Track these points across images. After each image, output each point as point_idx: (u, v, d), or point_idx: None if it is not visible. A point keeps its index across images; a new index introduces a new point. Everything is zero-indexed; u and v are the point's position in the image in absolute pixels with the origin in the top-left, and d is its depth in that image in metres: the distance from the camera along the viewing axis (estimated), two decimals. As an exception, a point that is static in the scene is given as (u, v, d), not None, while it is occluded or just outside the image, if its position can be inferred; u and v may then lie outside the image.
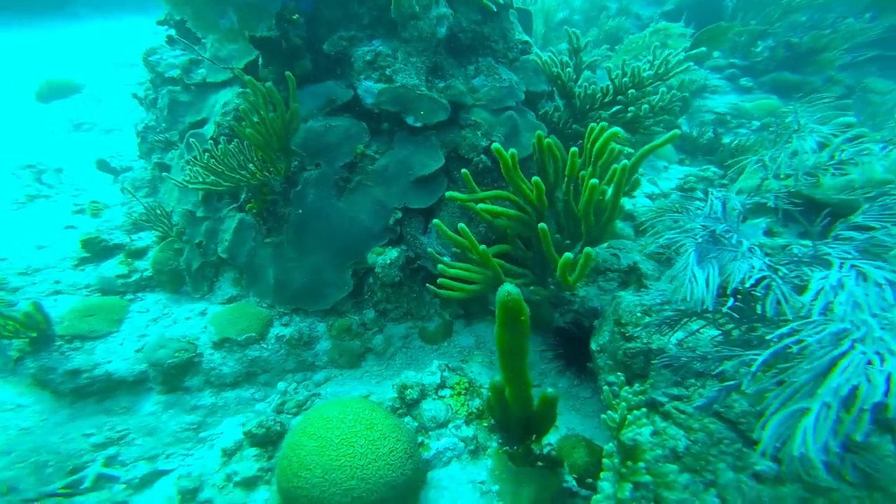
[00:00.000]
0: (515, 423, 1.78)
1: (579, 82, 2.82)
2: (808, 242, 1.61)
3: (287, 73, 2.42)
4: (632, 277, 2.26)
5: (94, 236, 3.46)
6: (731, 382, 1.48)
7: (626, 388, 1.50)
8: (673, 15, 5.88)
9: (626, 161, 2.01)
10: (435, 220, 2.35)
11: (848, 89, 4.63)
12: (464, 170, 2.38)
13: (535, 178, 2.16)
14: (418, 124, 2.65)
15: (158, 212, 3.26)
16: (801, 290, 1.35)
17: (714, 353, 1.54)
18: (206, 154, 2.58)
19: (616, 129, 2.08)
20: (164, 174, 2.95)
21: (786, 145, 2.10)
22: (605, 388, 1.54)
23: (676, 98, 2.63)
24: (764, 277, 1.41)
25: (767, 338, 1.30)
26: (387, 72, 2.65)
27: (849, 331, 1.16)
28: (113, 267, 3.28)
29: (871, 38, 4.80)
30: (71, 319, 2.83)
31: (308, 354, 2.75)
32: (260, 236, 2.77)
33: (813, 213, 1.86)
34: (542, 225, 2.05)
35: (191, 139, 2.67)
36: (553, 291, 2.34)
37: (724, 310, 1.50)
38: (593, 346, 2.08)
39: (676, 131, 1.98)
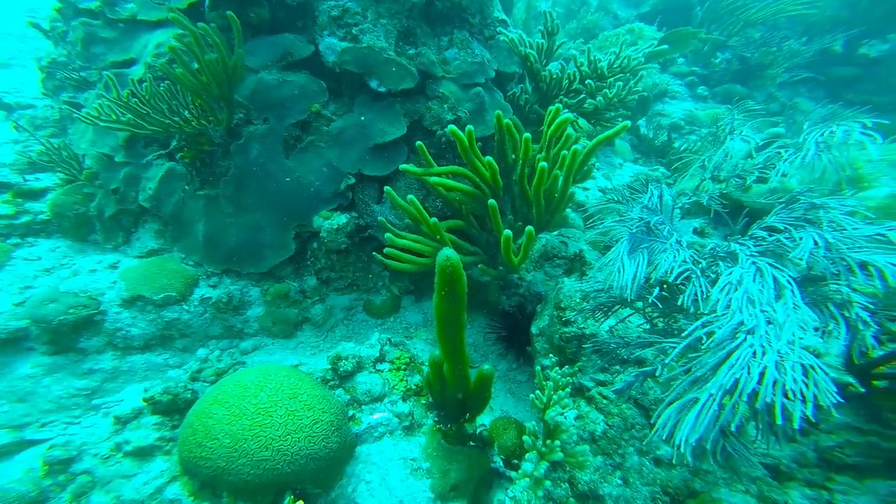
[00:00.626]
0: (452, 401, 1.79)
1: (549, 68, 2.87)
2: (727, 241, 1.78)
3: (229, 13, 2.20)
4: (576, 265, 2.36)
5: (-25, 170, 2.92)
6: (648, 369, 1.60)
7: (556, 369, 1.55)
8: (648, 17, 6.25)
9: (577, 147, 2.08)
10: (386, 188, 2.27)
11: (782, 106, 5.21)
12: (418, 142, 2.32)
13: (488, 158, 2.17)
14: (382, 89, 2.55)
15: (65, 153, 2.83)
16: (713, 283, 1.47)
17: (636, 340, 1.64)
18: (129, 94, 2.26)
19: (570, 114, 2.14)
20: (75, 114, 2.54)
21: (721, 147, 2.31)
22: (537, 369, 1.58)
23: (633, 93, 2.76)
24: (686, 270, 1.53)
25: (685, 329, 1.40)
26: (353, 30, 2.51)
27: (742, 324, 1.28)
28: (-6, 206, 2.79)
29: (805, 59, 5.43)
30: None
31: (237, 320, 2.55)
32: (192, 188, 2.51)
33: (740, 215, 2.06)
34: (491, 201, 2.07)
35: (111, 76, 2.32)
36: (501, 272, 2.38)
37: (651, 299, 1.61)
38: (533, 330, 2.15)
39: (627, 122, 2.09)
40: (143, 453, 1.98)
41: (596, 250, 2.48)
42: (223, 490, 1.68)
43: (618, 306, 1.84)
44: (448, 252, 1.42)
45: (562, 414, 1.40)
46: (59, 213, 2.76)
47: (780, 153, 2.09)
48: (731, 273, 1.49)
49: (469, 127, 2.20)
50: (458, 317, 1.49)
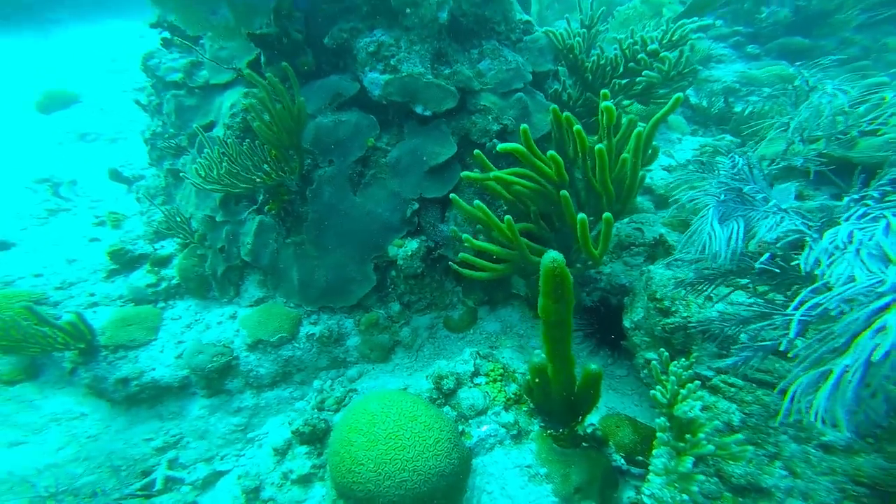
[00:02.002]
0: (558, 404, 1.81)
1: (591, 57, 2.74)
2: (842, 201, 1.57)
3: (284, 64, 2.39)
4: (658, 250, 2.24)
5: (120, 247, 3.54)
6: (768, 343, 1.45)
7: (673, 363, 1.52)
8: None
9: (642, 125, 1.97)
10: (452, 195, 2.32)
11: (864, 50, 4.35)
12: (476, 151, 2.35)
13: (551, 152, 2.11)
14: (427, 113, 2.61)
15: (178, 219, 3.31)
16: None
17: (753, 314, 1.52)
18: (223, 155, 2.59)
19: (609, 103, 2.03)
20: (181, 176, 2.97)
21: (808, 107, 2.02)
22: (654, 364, 1.56)
23: (690, 64, 2.53)
24: (798, 234, 1.38)
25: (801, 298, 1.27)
26: (391, 61, 2.59)
27: (879, 284, 1.12)
28: (141, 276, 3.36)
29: None
30: (112, 330, 2.94)
31: (339, 351, 2.83)
32: (281, 237, 2.81)
33: (847, 174, 1.81)
34: (563, 192, 2.02)
35: (201, 142, 2.68)
36: (579, 270, 2.34)
37: (757, 266, 1.48)
38: (627, 324, 2.09)
39: (680, 94, 1.90)
40: (305, 480, 2.20)
41: (676, 231, 2.34)
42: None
43: (720, 279, 1.72)
44: (553, 254, 1.44)
45: (693, 408, 1.37)
46: (185, 276, 3.25)
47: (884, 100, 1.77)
48: (853, 227, 1.32)
49: (523, 126, 2.15)
50: (566, 317, 1.45)
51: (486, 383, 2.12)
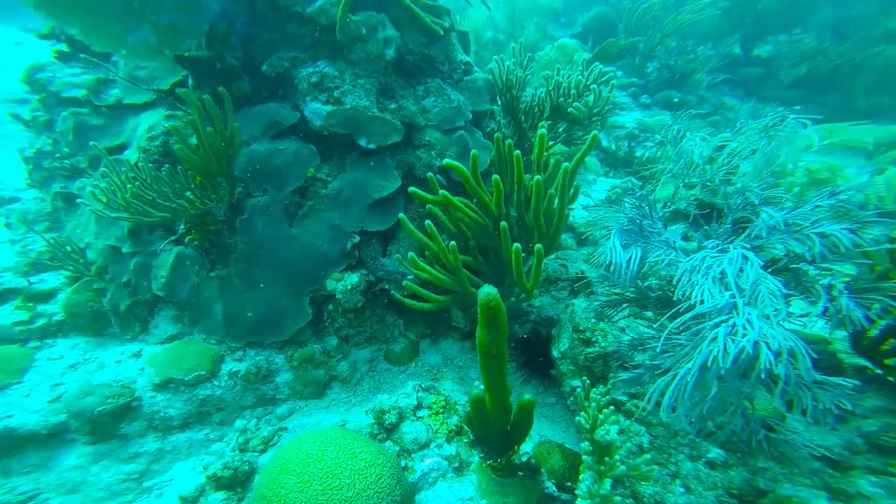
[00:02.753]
0: (496, 434, 1.91)
1: (524, 98, 3.05)
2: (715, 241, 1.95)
3: (221, 88, 2.29)
4: (580, 285, 2.52)
5: (-23, 280, 2.96)
6: (657, 362, 1.72)
7: (594, 389, 1.70)
8: (581, 36, 6.62)
9: (566, 164, 2.25)
10: (400, 214, 2.35)
11: (714, 106, 5.58)
12: (429, 173, 2.43)
13: (495, 177, 2.24)
14: (371, 146, 2.66)
15: (68, 248, 2.87)
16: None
17: (646, 340, 1.80)
18: (134, 181, 2.35)
19: (543, 131, 2.30)
20: (79, 202, 2.60)
21: (685, 158, 2.52)
22: (578, 391, 1.72)
23: (608, 101, 2.94)
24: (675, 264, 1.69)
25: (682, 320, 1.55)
26: (335, 93, 2.62)
27: (722, 308, 1.45)
28: (7, 314, 2.84)
29: (717, 63, 5.82)
30: (-47, 376, 2.42)
31: (268, 388, 2.63)
32: (204, 270, 2.58)
33: (714, 217, 2.25)
34: (503, 223, 2.18)
35: (108, 165, 2.40)
36: (513, 303, 2.52)
37: (653, 296, 1.77)
38: (555, 354, 2.29)
39: (596, 132, 2.23)
40: None
41: (594, 269, 2.65)
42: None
43: (625, 305, 1.99)
44: (488, 288, 1.54)
45: (609, 432, 1.54)
46: (74, 312, 2.78)
47: (734, 156, 2.31)
48: (705, 259, 1.66)
49: (474, 151, 2.27)
50: (501, 349, 1.59)
51: (429, 416, 2.15)
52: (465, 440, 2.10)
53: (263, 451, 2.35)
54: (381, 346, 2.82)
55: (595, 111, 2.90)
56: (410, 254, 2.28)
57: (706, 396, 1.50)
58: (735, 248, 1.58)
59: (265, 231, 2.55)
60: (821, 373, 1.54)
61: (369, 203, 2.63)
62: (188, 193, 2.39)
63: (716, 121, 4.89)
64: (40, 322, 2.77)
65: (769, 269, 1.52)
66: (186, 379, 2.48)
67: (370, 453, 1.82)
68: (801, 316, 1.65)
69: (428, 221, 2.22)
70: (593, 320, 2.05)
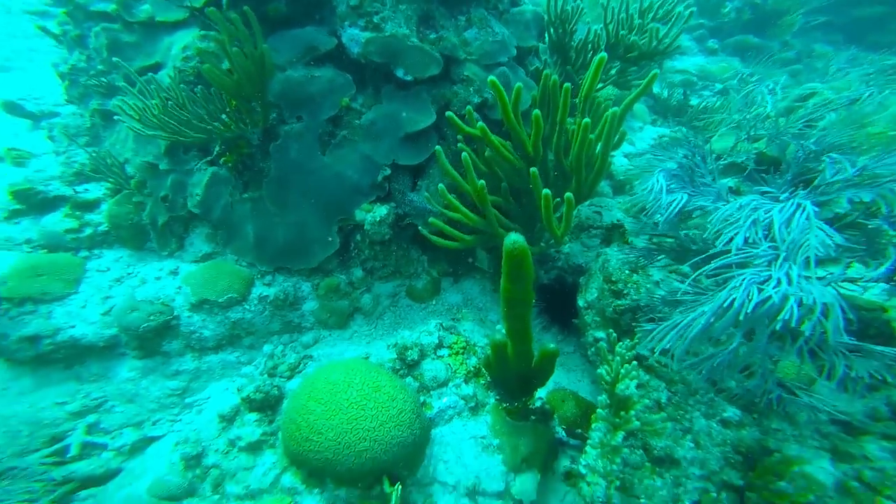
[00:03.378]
0: (514, 379, 1.92)
1: (577, 35, 2.78)
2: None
3: (246, 7, 2.18)
4: (615, 234, 2.41)
5: (28, 187, 3.08)
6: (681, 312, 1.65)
7: (620, 343, 1.66)
8: None
9: (615, 108, 2.08)
10: (437, 147, 2.30)
11: (798, 54, 4.88)
12: (468, 107, 2.33)
13: (535, 112, 2.08)
14: (408, 77, 2.53)
15: (108, 161, 2.93)
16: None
17: (683, 297, 1.72)
18: (168, 101, 2.33)
19: (603, 54, 2.08)
20: (116, 119, 2.62)
21: (756, 107, 2.28)
22: (601, 344, 1.70)
23: (677, 38, 2.62)
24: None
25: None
26: (374, 19, 2.46)
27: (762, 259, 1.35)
28: (58, 221, 2.96)
29: (821, 2, 5.00)
30: (16, 280, 2.57)
31: (294, 315, 2.72)
32: (237, 191, 2.60)
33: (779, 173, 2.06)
34: (533, 169, 2.08)
35: (148, 86, 2.37)
36: (542, 248, 2.46)
37: (688, 241, 1.67)
38: (580, 303, 2.24)
39: (656, 69, 2.03)
40: (254, 448, 2.14)
41: (630, 217, 2.53)
42: (328, 477, 1.83)
43: (661, 256, 1.90)
44: (514, 236, 1.50)
45: (629, 387, 1.53)
46: (116, 223, 2.90)
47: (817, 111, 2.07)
48: (751, 203, 1.55)
49: (518, 84, 2.15)
50: (526, 296, 1.57)
51: (449, 355, 2.18)
52: (482, 382, 2.14)
53: (290, 378, 2.47)
54: (403, 280, 2.84)
55: (661, 47, 2.57)
56: (441, 186, 2.21)
57: (725, 349, 1.44)
58: (790, 197, 1.45)
59: (298, 157, 2.52)
60: (869, 341, 1.44)
61: (402, 136, 2.54)
62: (223, 116, 2.35)
63: (797, 69, 4.35)
64: (88, 231, 2.90)
65: (835, 226, 1.39)
66: (220, 301, 2.57)
67: (393, 388, 1.88)
68: (856, 280, 1.53)
69: (465, 154, 2.13)
70: (627, 272, 1.97)
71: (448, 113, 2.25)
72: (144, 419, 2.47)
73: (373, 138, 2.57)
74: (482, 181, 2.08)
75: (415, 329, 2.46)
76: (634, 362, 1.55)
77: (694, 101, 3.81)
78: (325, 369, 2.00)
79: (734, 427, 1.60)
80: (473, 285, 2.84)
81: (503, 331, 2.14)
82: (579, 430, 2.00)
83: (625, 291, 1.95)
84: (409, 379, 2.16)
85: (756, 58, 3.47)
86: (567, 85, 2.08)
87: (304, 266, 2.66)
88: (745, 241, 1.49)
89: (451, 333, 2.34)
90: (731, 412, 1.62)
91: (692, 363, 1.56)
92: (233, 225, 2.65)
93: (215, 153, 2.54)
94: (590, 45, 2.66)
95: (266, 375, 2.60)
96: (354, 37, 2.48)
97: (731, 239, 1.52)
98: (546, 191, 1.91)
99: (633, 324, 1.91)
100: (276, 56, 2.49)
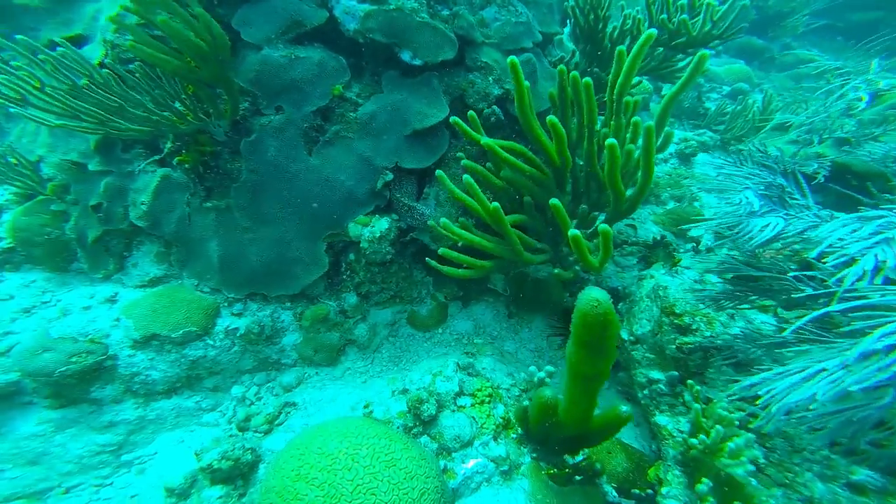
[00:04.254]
0: (560, 440, 1.54)
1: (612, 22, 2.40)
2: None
3: None
4: (658, 252, 2.09)
5: None
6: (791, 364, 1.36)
7: (720, 403, 1.31)
8: None
9: (649, 123, 1.74)
10: (438, 171, 1.89)
11: (797, 59, 4.81)
12: (471, 112, 1.92)
13: (552, 118, 1.73)
14: (416, 62, 2.08)
15: (13, 159, 2.24)
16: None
17: (797, 338, 1.41)
18: (91, 83, 1.72)
19: (652, 30, 1.71)
20: (15, 109, 1.94)
21: (818, 107, 2.03)
22: (660, 386, 1.35)
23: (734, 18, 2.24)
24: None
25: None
26: (375, -14, 1.99)
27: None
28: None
29: (825, 3, 4.89)
30: None
31: (272, 351, 2.19)
32: (197, 199, 2.03)
33: (837, 181, 1.80)
34: (554, 201, 1.69)
35: (66, 61, 1.75)
36: (577, 273, 2.09)
37: (790, 275, 1.37)
38: (624, 335, 1.90)
39: (705, 51, 1.69)
40: None
41: (670, 231, 2.23)
42: None
43: (755, 297, 1.56)
44: (595, 292, 1.11)
45: (742, 466, 1.18)
46: (26, 238, 2.22)
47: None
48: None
49: (525, 84, 1.80)
50: (603, 370, 1.21)
51: (472, 405, 1.75)
52: (513, 434, 1.73)
53: (269, 432, 1.96)
54: (405, 306, 2.38)
55: (716, 31, 2.19)
56: (443, 220, 1.79)
57: (873, 404, 1.12)
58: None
59: (277, 158, 1.99)
60: None
61: (408, 134, 2.09)
62: (177, 104, 1.78)
63: (799, 73, 4.23)
64: (-19, 249, 2.19)
65: None
66: (174, 336, 2.02)
67: (410, 460, 1.43)
68: None
69: (467, 176, 1.72)
70: (692, 302, 1.63)
71: (453, 118, 1.83)
72: (53, 485, 1.86)
73: (372, 135, 2.09)
74: (496, 203, 1.67)
75: (420, 366, 2.02)
76: (749, 436, 1.21)
77: (708, 105, 3.60)
78: (317, 434, 1.52)
79: (875, 495, 1.28)
80: (485, 310, 2.43)
81: (543, 378, 1.75)
82: (636, 490, 1.64)
83: (693, 327, 1.61)
84: (425, 438, 1.71)
85: (759, 60, 3.30)
86: (586, 80, 1.70)
87: (285, 292, 2.14)
88: (875, 262, 1.18)
89: (472, 375, 1.91)
90: (865, 475, 1.30)
91: (802, 417, 1.23)
92: (192, 241, 2.07)
93: (166, 151, 1.95)
94: (627, 33, 2.29)
95: (235, 428, 2.06)
96: (350, 9, 1.98)
97: (847, 260, 1.21)
98: (574, 231, 1.53)
99: (705, 365, 1.58)
100: (249, 31, 1.96)
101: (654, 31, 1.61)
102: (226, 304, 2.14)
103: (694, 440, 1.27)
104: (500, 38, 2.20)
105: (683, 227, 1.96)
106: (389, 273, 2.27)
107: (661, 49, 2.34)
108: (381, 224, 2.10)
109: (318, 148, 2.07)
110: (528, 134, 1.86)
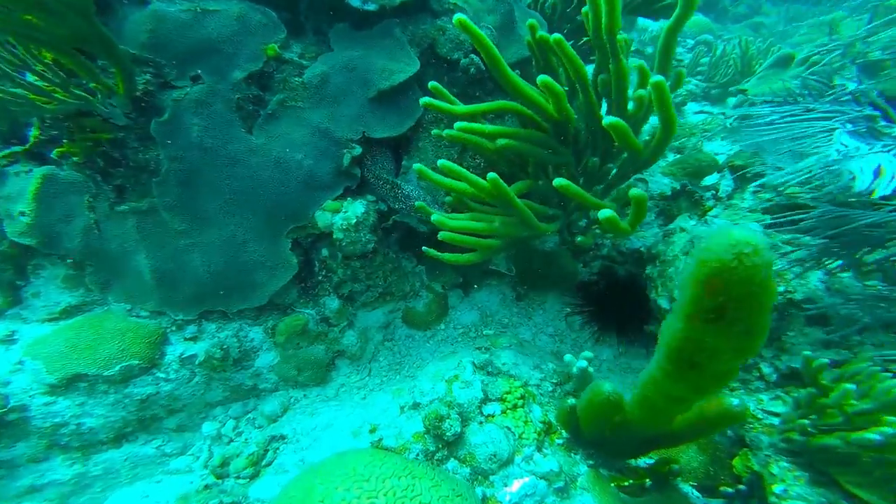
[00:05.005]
0: (628, 441, 1.08)
1: None
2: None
3: None
4: (681, 202, 1.63)
5: None
6: None
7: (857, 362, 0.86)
8: None
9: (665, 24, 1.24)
10: (416, 165, 1.34)
11: (749, 7, 4.38)
12: (432, 83, 1.36)
13: (543, 78, 1.23)
14: (370, 6, 1.50)
15: None
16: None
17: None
18: None
19: None
20: None
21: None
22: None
23: None
24: None
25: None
26: None
27: None
28: None
29: None
30: None
31: (243, 376, 1.62)
32: (103, 202, 1.41)
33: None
34: (558, 180, 1.16)
35: None
36: (596, 236, 1.61)
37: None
38: (663, 304, 1.44)
39: None
40: None
41: (680, 181, 1.77)
42: None
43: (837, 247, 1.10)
44: (735, 231, 0.62)
45: None
46: None
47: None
48: None
49: (531, 20, 1.29)
50: (748, 352, 0.71)
51: (504, 412, 1.26)
52: (558, 440, 1.25)
53: (255, 477, 1.41)
54: (397, 304, 1.85)
55: None
56: (435, 217, 1.25)
57: None
58: None
59: (206, 139, 1.39)
60: None
61: (372, 96, 1.53)
62: (29, 76, 1.14)
63: (758, 23, 3.85)
64: None
65: None
66: (107, 374, 1.42)
67: (443, 500, 0.92)
68: None
69: (441, 161, 1.19)
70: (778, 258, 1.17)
71: (431, 83, 1.28)
72: None
73: (328, 102, 1.52)
74: (493, 174, 1.14)
75: (427, 371, 1.50)
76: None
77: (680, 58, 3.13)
78: (315, 480, 1.01)
79: None
80: (490, 295, 1.93)
81: (585, 367, 1.27)
82: (726, 488, 1.20)
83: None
84: (452, 463, 1.21)
85: (713, 12, 2.91)
86: (555, 36, 1.17)
87: (247, 305, 1.57)
88: None
89: (493, 375, 1.41)
90: None
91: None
92: (110, 257, 1.46)
93: (33, 141, 1.31)
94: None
95: (212, 475, 1.50)
96: (275, -65, 1.37)
97: None
98: (606, 212, 1.05)
99: (781, 328, 1.14)
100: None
101: None
102: (174, 329, 1.54)
103: (805, 421, 0.82)
104: (469, -31, 1.63)
105: (748, 172, 1.48)
106: (374, 266, 1.72)
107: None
108: (356, 208, 1.54)
109: (261, 123, 1.48)
110: (511, 88, 1.32)
